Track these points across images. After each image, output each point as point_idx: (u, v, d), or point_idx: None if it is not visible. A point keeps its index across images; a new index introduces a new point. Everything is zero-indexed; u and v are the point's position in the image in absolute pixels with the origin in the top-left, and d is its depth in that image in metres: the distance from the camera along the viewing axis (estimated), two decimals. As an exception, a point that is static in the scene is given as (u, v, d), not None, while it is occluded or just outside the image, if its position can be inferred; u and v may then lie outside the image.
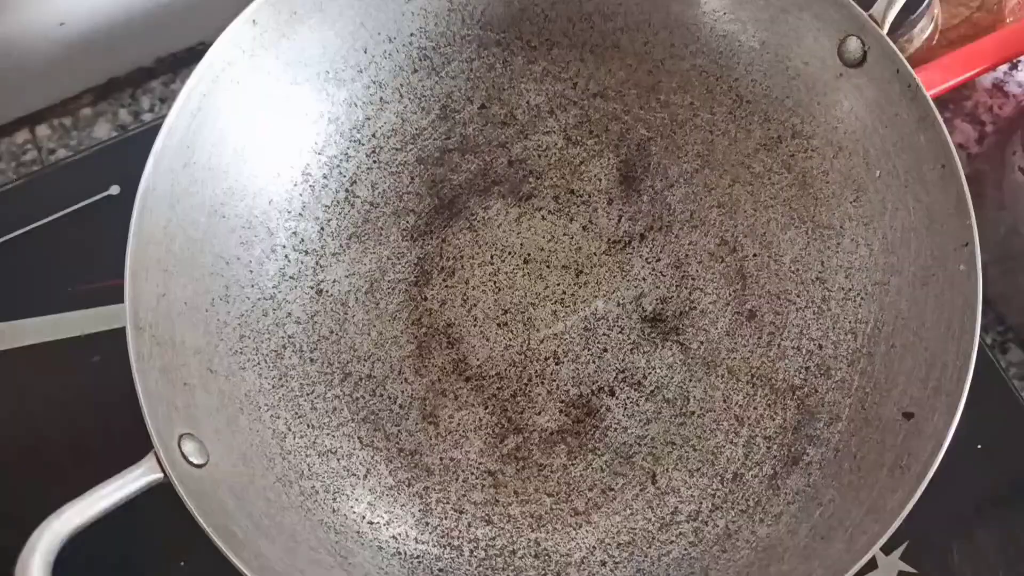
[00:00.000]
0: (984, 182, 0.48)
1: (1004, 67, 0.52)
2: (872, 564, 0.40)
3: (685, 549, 0.37)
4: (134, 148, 0.48)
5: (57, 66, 0.50)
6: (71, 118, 0.52)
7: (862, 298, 0.39)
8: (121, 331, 0.43)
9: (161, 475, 0.30)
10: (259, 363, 0.38)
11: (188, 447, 0.33)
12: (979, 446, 0.42)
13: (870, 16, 0.36)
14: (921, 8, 0.44)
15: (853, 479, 0.35)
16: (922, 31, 0.46)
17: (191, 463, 0.32)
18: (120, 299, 0.44)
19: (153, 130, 0.49)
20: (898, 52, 0.36)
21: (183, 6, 0.51)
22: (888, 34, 0.37)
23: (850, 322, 0.39)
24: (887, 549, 0.40)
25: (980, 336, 0.34)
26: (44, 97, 0.52)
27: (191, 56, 0.54)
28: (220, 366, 0.37)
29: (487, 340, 0.41)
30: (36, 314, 0.44)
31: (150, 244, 0.34)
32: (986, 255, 0.35)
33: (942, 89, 0.47)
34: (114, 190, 0.46)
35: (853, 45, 0.37)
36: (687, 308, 0.42)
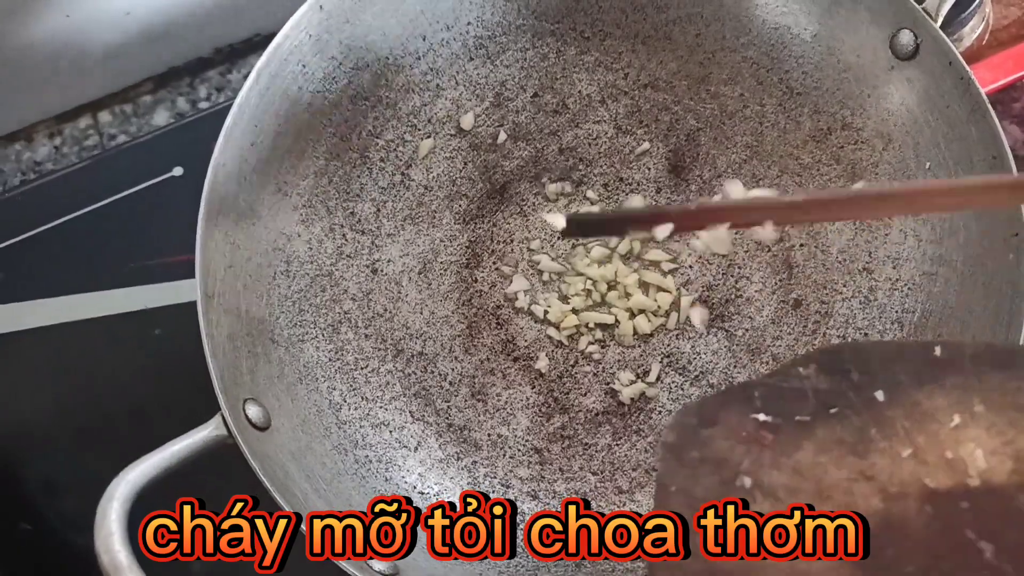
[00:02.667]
0: (1031, 181, 0.48)
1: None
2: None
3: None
4: (192, 134, 0.50)
5: (120, 54, 0.52)
6: (131, 105, 0.54)
7: (909, 288, 0.39)
8: (181, 306, 0.45)
9: (227, 434, 0.32)
10: (317, 336, 0.39)
11: (252, 411, 0.34)
12: None
13: (923, 9, 0.37)
14: (972, 7, 0.45)
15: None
16: (972, 30, 0.46)
17: (255, 426, 0.34)
18: (179, 276, 0.46)
19: (209, 117, 0.51)
20: (951, 45, 0.37)
21: (242, -2, 0.52)
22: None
23: (896, 312, 0.39)
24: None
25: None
26: (106, 84, 0.53)
27: (248, 47, 0.55)
28: (281, 337, 0.38)
29: (535, 322, 0.42)
30: (100, 289, 0.46)
31: (219, 217, 0.35)
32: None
33: (991, 89, 0.47)
34: (177, 171, 0.48)
35: (906, 38, 0.38)
36: (733, 296, 0.42)
